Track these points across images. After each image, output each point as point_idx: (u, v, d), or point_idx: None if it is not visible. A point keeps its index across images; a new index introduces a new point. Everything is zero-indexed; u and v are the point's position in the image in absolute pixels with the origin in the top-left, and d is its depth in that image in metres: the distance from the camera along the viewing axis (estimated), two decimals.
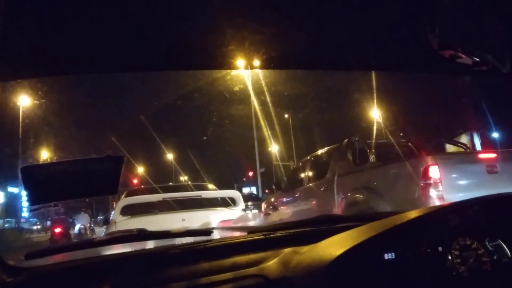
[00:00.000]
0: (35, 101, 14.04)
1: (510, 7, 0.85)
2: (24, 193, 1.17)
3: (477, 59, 0.80)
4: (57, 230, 11.73)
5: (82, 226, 13.93)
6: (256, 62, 1.22)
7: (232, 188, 16.60)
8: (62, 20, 0.97)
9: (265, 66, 1.25)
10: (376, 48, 1.16)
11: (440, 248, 1.05)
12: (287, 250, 1.19)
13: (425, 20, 0.75)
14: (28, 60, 1.07)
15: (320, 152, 6.60)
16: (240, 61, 1.19)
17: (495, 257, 1.07)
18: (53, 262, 1.27)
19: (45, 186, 1.14)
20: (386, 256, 1.01)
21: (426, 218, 1.13)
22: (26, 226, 12.87)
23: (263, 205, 8.34)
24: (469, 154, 5.73)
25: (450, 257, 1.05)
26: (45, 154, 16.50)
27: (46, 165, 2.32)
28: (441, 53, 0.77)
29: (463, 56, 0.79)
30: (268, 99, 14.61)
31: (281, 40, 1.11)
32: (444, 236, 1.08)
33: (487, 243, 1.09)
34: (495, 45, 0.83)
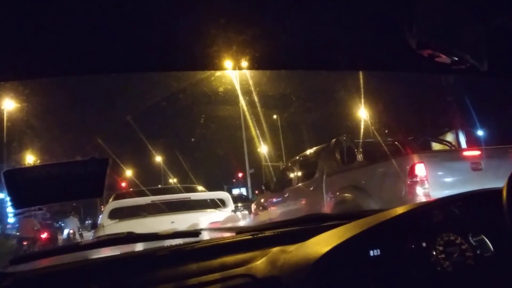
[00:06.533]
0: (17, 104, 13.80)
1: (487, 6, 0.87)
2: (8, 198, 1.15)
3: (455, 58, 0.82)
4: (44, 235, 11.61)
5: (71, 231, 13.74)
6: (242, 63, 1.23)
7: (221, 189, 16.54)
8: (44, 21, 0.96)
9: (250, 66, 1.26)
10: (359, 47, 1.18)
11: (424, 244, 1.07)
12: (275, 249, 1.19)
13: (402, 20, 0.76)
14: (9, 61, 1.06)
15: (308, 152, 6.64)
16: (225, 62, 1.19)
17: (478, 252, 1.09)
18: (39, 267, 1.26)
19: (28, 190, 1.12)
20: (371, 253, 1.02)
21: (410, 214, 1.14)
22: (12, 232, 12.68)
23: (253, 206, 8.35)
24: (454, 152, 5.82)
25: (434, 253, 1.06)
26: (29, 158, 16.22)
27: (30, 169, 2.28)
28: (419, 53, 0.79)
29: (442, 55, 0.81)
30: (255, 99, 14.65)
31: (265, 40, 1.12)
32: (428, 232, 1.10)
33: (470, 238, 1.11)
34: (473, 44, 0.85)
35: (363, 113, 15.33)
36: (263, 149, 20.56)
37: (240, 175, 25.14)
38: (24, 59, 1.09)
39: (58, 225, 15.07)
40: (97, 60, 1.14)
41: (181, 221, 4.31)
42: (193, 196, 5.16)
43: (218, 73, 12.16)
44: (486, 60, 0.86)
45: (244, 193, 22.24)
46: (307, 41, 1.19)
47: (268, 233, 1.33)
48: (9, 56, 1.05)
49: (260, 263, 1.16)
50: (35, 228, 11.27)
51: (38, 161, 15.88)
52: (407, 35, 0.77)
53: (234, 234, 1.39)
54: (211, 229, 2.57)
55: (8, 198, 1.12)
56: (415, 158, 4.09)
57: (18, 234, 11.39)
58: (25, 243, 10.43)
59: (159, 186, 15.08)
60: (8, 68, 1.10)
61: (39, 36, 1.02)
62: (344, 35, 1.13)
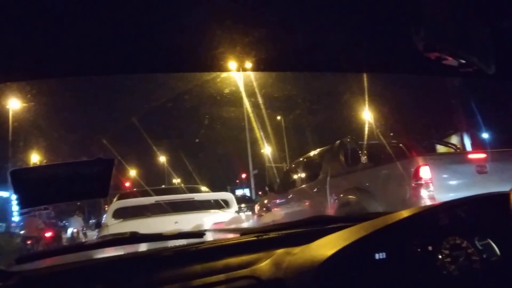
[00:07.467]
0: (24, 104, 13.89)
1: (494, 9, 0.86)
2: (14, 197, 1.16)
3: (462, 61, 0.82)
4: (48, 234, 11.68)
5: (74, 230, 13.84)
6: (247, 65, 1.23)
7: (225, 190, 16.54)
8: (51, 22, 0.96)
9: (255, 68, 1.26)
10: (365, 50, 1.18)
11: (430, 248, 1.07)
12: (280, 251, 1.19)
13: (410, 23, 0.76)
14: (18, 62, 1.07)
15: (312, 153, 6.62)
16: (230, 64, 1.19)
17: (484, 256, 1.08)
18: (44, 266, 1.26)
19: (35, 189, 1.13)
20: (377, 256, 1.02)
21: (416, 218, 1.14)
22: (17, 230, 12.80)
23: (256, 207, 8.34)
24: (459, 155, 5.78)
25: (440, 256, 1.06)
26: (35, 157, 16.33)
27: (36, 168, 2.30)
28: (427, 55, 0.79)
29: (449, 58, 0.81)
30: (260, 100, 14.61)
31: (270, 42, 1.12)
32: (434, 236, 1.09)
33: (476, 242, 1.10)
34: (480, 47, 0.84)
35: (367, 115, 15.29)
36: (267, 150, 20.56)
37: (243, 176, 25.14)
38: (31, 60, 1.10)
39: (62, 224, 15.15)
40: (103, 62, 1.15)
41: (185, 221, 4.32)
42: (196, 196, 5.17)
43: (223, 74, 12.14)
44: (493, 63, 0.85)
45: (248, 194, 22.22)
46: (312, 43, 1.19)
47: (272, 234, 1.33)
48: (16, 57, 1.06)
49: (264, 265, 1.16)
50: (39, 227, 11.41)
51: (44, 161, 15.99)
52: (415, 38, 0.77)
53: (238, 235, 1.39)
54: (215, 230, 2.57)
55: (14, 197, 1.13)
56: (420, 160, 4.07)
57: (22, 232, 11.58)
58: (29, 242, 10.57)
59: (163, 186, 15.13)
60: (15, 69, 1.11)
61: (46, 37, 1.03)
62: (350, 38, 1.13)
